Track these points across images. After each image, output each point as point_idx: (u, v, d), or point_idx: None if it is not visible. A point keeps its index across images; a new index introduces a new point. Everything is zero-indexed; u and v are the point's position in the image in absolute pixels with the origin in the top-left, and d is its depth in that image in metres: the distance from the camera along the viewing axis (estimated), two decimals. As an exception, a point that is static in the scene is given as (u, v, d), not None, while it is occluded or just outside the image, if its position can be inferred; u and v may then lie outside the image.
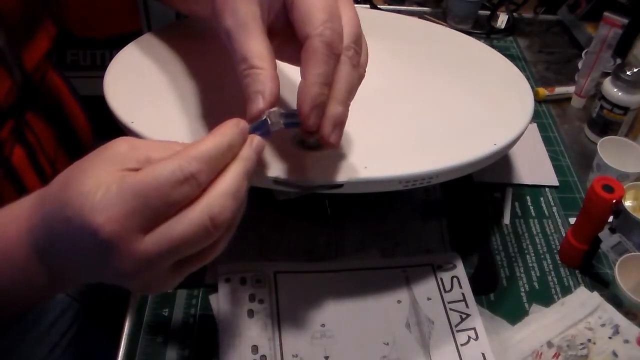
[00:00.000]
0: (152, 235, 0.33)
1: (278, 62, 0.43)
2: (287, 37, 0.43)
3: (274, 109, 0.41)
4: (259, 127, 0.40)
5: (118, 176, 0.33)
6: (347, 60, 0.41)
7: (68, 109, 0.70)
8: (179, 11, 0.67)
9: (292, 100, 0.47)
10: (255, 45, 0.40)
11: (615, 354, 0.54)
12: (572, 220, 0.66)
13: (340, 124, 0.41)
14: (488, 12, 1.06)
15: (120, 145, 0.36)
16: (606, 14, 0.81)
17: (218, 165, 0.35)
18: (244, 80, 0.41)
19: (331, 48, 0.39)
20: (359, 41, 0.43)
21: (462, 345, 0.55)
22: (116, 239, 0.32)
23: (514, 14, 1.08)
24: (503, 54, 0.73)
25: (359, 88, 0.45)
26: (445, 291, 0.59)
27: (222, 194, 0.35)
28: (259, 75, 0.40)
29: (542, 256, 0.65)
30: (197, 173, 0.34)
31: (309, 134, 0.41)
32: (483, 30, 1.04)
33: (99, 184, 0.33)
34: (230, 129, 0.37)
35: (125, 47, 0.66)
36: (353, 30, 0.42)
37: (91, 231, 0.32)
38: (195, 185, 0.34)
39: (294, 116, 0.41)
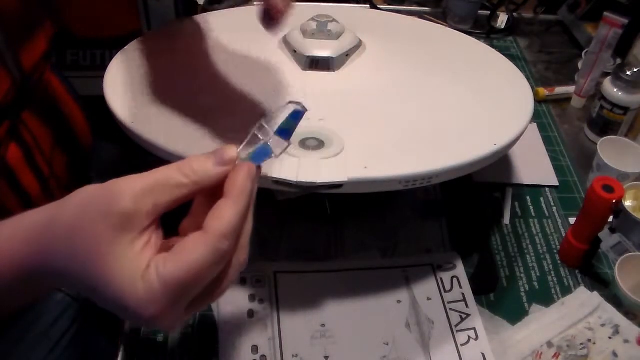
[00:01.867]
0: (190, 307, 0.36)
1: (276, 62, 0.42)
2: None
3: (262, 124, 0.39)
4: (261, 153, 0.39)
5: (148, 257, 0.34)
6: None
7: (66, 108, 0.70)
8: None
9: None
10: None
11: (615, 354, 0.54)
12: (572, 220, 0.66)
13: None
14: (488, 12, 1.06)
15: (122, 200, 0.34)
16: (606, 14, 0.81)
17: (240, 228, 0.37)
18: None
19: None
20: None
21: (462, 345, 0.55)
22: (159, 321, 0.34)
23: (514, 14, 1.08)
24: (503, 54, 0.73)
25: (360, 88, 0.45)
26: (445, 291, 0.59)
27: (245, 246, 0.38)
28: None
29: (542, 256, 0.65)
30: (228, 249, 0.35)
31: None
32: (483, 30, 1.04)
33: (133, 273, 0.33)
34: (245, 183, 0.37)
35: (125, 47, 0.66)
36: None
37: (136, 317, 0.34)
38: (226, 259, 0.36)
39: (288, 122, 0.40)
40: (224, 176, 0.37)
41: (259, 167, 0.38)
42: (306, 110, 0.40)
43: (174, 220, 0.39)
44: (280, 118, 0.39)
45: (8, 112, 0.55)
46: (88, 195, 0.35)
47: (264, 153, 0.39)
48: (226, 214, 0.35)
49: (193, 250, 0.34)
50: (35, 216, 0.37)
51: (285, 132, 0.40)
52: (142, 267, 0.33)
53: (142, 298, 0.33)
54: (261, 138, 0.39)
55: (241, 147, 0.38)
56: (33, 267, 0.36)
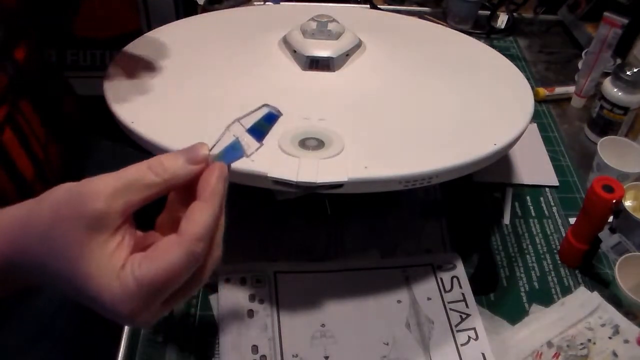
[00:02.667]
0: (164, 305, 0.36)
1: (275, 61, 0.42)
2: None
3: (235, 122, 0.39)
4: (232, 152, 0.39)
5: (123, 257, 0.35)
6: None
7: (58, 95, 0.70)
8: None
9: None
10: None
11: (615, 354, 0.54)
12: (572, 220, 0.66)
13: None
14: (488, 12, 1.06)
15: (94, 201, 0.34)
16: (606, 14, 0.81)
17: (214, 230, 0.37)
18: None
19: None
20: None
21: (462, 345, 0.55)
22: (134, 317, 0.35)
23: (514, 14, 1.08)
24: (503, 54, 0.73)
25: (360, 88, 0.45)
26: (445, 291, 0.59)
27: (219, 245, 0.38)
28: None
29: (542, 256, 0.65)
30: (202, 251, 0.35)
31: None
32: (483, 30, 1.04)
33: (109, 272, 0.34)
34: (217, 185, 0.37)
35: (125, 47, 0.66)
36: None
37: (111, 313, 0.35)
38: (201, 260, 0.36)
39: (261, 123, 0.40)
40: (195, 174, 0.37)
41: (229, 166, 0.39)
42: (280, 114, 0.40)
43: (150, 213, 0.39)
44: (253, 118, 0.40)
45: (5, 99, 0.55)
46: (62, 194, 0.35)
47: (235, 152, 0.39)
48: (200, 217, 0.35)
49: (167, 252, 0.34)
50: (14, 211, 0.38)
51: (258, 133, 0.40)
52: (117, 267, 0.34)
53: (118, 297, 0.34)
54: (233, 136, 0.39)
55: (213, 145, 0.38)
56: (11, 262, 0.37)
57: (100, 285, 0.34)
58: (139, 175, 0.36)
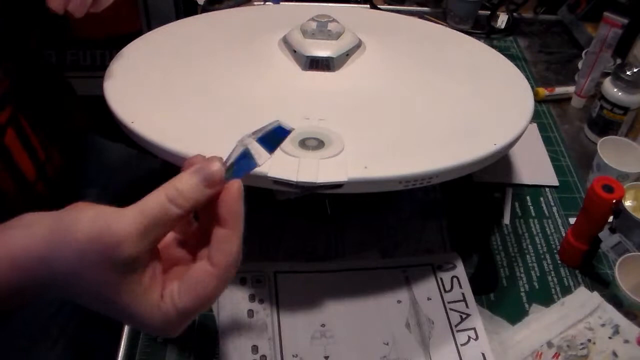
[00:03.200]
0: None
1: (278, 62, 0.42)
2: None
3: (245, 135, 0.39)
4: (245, 162, 0.39)
5: (159, 286, 0.36)
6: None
7: (60, 94, 0.70)
8: None
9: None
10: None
11: (615, 354, 0.54)
12: (572, 220, 0.66)
13: None
14: (488, 12, 1.06)
15: (122, 250, 0.34)
16: (606, 14, 0.81)
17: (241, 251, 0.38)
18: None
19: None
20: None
21: (462, 345, 0.55)
22: (172, 336, 0.38)
23: (514, 14, 1.08)
24: (503, 54, 0.73)
25: (360, 88, 0.45)
26: (445, 291, 0.59)
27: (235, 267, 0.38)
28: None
29: (542, 256, 0.65)
30: (233, 274, 0.37)
31: None
32: (483, 30, 1.04)
33: (148, 306, 0.36)
34: (239, 208, 0.37)
35: (125, 47, 0.66)
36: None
37: (150, 332, 0.37)
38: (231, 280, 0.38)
39: (272, 135, 0.40)
40: (215, 196, 0.37)
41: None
42: (292, 129, 0.40)
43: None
44: (264, 131, 0.39)
45: (8, 100, 0.56)
46: (86, 233, 0.34)
47: (247, 162, 0.39)
48: (230, 247, 0.37)
49: (205, 285, 0.36)
50: (27, 243, 0.35)
51: (268, 144, 0.39)
52: (156, 299, 0.36)
53: (161, 325, 0.36)
54: (244, 145, 0.38)
55: (226, 160, 0.38)
56: (29, 292, 0.36)
57: (143, 318, 0.36)
58: (162, 212, 0.35)
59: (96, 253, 0.34)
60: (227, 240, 0.36)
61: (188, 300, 0.36)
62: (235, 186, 0.37)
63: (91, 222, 0.34)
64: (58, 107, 0.70)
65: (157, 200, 0.35)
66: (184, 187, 0.36)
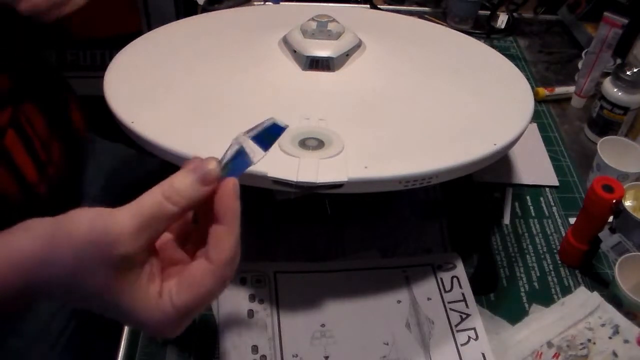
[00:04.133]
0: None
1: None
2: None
3: (240, 134, 0.39)
4: (240, 160, 0.39)
5: (157, 284, 0.37)
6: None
7: (61, 96, 0.70)
8: None
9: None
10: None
11: (615, 354, 0.54)
12: (572, 220, 0.66)
13: None
14: (488, 12, 1.06)
15: (119, 247, 0.34)
16: (606, 14, 0.81)
17: (239, 248, 0.38)
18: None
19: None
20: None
21: (462, 345, 0.55)
22: (171, 336, 0.38)
23: (514, 14, 1.08)
24: (503, 54, 0.73)
25: (360, 89, 0.45)
26: (445, 291, 0.59)
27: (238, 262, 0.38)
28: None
29: (542, 256, 0.65)
30: (232, 272, 0.37)
31: None
32: (483, 30, 1.04)
33: (147, 305, 0.36)
34: (235, 206, 0.37)
35: (125, 47, 0.66)
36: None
37: (149, 332, 0.38)
38: (230, 279, 0.38)
39: (267, 134, 0.40)
40: (210, 194, 0.37)
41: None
42: (286, 126, 0.40)
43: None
44: (258, 129, 0.39)
45: (9, 100, 0.56)
46: (83, 234, 0.34)
47: (242, 160, 0.39)
48: (227, 244, 0.37)
49: (202, 282, 0.36)
50: (25, 245, 0.35)
51: (263, 142, 0.39)
52: (154, 297, 0.36)
53: (160, 324, 0.36)
54: (239, 144, 0.39)
55: (221, 159, 0.38)
56: (28, 294, 0.36)
57: (141, 316, 0.36)
58: (158, 209, 0.35)
59: (93, 253, 0.34)
60: (224, 237, 0.36)
61: (186, 297, 0.36)
62: (231, 183, 0.37)
63: (88, 223, 0.34)
64: (58, 108, 0.70)
65: (153, 198, 0.35)
66: (179, 185, 0.36)
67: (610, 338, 0.55)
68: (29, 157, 0.60)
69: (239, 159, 0.38)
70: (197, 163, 0.37)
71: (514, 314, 0.59)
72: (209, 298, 0.37)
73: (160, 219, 0.35)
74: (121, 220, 0.34)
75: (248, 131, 0.39)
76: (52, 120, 0.65)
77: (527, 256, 0.65)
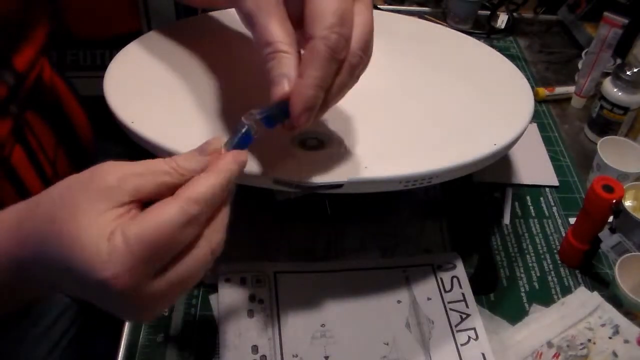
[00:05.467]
0: (160, 279, 0.34)
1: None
2: (298, 28, 0.42)
3: (251, 112, 0.40)
4: (245, 138, 0.40)
5: (118, 223, 0.33)
6: (349, 67, 0.40)
7: (68, 109, 0.70)
8: (199, 7, 0.67)
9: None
10: (278, 28, 0.40)
11: (615, 354, 0.54)
12: (572, 220, 0.66)
13: (315, 116, 0.41)
14: (488, 12, 1.06)
15: (106, 177, 0.35)
16: (606, 14, 0.81)
17: (216, 203, 0.36)
18: (268, 63, 0.40)
19: (334, 53, 0.39)
20: (366, 48, 0.42)
21: (462, 345, 0.55)
22: (128, 290, 0.33)
23: (514, 14, 1.08)
24: (503, 54, 0.73)
25: (360, 88, 0.45)
26: (445, 291, 0.59)
27: (220, 229, 0.37)
28: (283, 58, 0.39)
29: (542, 256, 0.65)
30: (198, 215, 0.35)
31: (291, 128, 0.41)
32: (483, 30, 1.04)
33: (99, 233, 0.33)
34: (228, 165, 0.37)
35: (125, 47, 0.66)
36: (363, 37, 0.41)
37: (101, 284, 0.32)
38: (196, 226, 0.35)
39: (275, 112, 0.40)
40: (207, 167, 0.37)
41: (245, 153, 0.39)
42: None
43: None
44: (267, 108, 0.40)
45: (6, 111, 0.55)
46: (74, 176, 0.36)
47: (248, 137, 0.40)
48: (198, 184, 0.35)
49: (160, 209, 0.34)
50: (22, 205, 0.38)
51: (270, 120, 0.40)
52: (107, 231, 0.33)
53: (103, 257, 0.32)
54: (246, 122, 0.39)
55: (228, 140, 0.39)
56: (17, 253, 0.37)
57: (88, 248, 0.32)
58: (153, 165, 0.36)
59: (80, 181, 0.35)
60: (198, 179, 0.36)
61: (137, 227, 0.32)
62: (234, 151, 0.38)
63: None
64: (66, 117, 0.69)
65: (150, 160, 0.37)
66: (179, 157, 0.37)
67: (610, 338, 0.55)
68: (35, 173, 0.59)
69: (243, 135, 0.39)
70: (202, 144, 0.38)
71: (514, 314, 0.59)
72: (164, 231, 0.33)
73: (152, 174, 0.35)
74: (114, 163, 0.35)
75: (259, 112, 0.40)
76: (59, 134, 0.65)
77: (527, 256, 0.65)
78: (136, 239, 0.32)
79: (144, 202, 0.35)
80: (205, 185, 0.35)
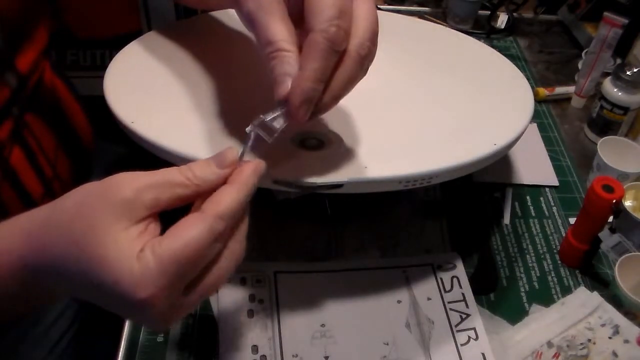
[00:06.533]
0: (189, 293, 0.35)
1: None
2: (299, 26, 0.42)
3: (260, 117, 0.40)
4: (256, 144, 0.40)
5: (143, 242, 0.34)
6: (358, 58, 0.40)
7: (68, 110, 0.70)
8: (197, 8, 0.66)
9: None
10: (279, 27, 0.40)
11: (615, 354, 0.54)
12: (572, 220, 0.66)
13: (319, 110, 0.41)
14: (488, 12, 1.06)
15: (121, 189, 0.35)
16: (606, 14, 0.81)
17: (239, 216, 0.37)
18: (270, 63, 0.40)
19: (333, 45, 0.38)
20: (374, 38, 0.42)
21: (462, 345, 0.55)
22: (162, 308, 0.34)
23: (514, 14, 1.08)
24: (503, 54, 0.73)
25: (360, 88, 0.45)
26: (445, 291, 0.59)
27: (242, 240, 0.38)
28: (285, 57, 0.39)
29: (542, 256, 0.65)
30: (224, 231, 0.35)
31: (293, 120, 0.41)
32: (483, 30, 1.04)
33: (128, 253, 0.33)
34: (250, 178, 0.37)
35: (125, 47, 0.66)
36: (370, 27, 0.42)
37: (136, 304, 0.33)
38: (222, 240, 0.36)
39: (277, 111, 0.41)
40: (224, 179, 0.37)
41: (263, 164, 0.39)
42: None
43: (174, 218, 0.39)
44: (273, 112, 0.40)
45: (8, 113, 0.55)
46: (89, 187, 0.36)
47: (259, 143, 0.40)
48: (224, 199, 0.36)
49: (189, 228, 0.34)
50: (35, 213, 0.38)
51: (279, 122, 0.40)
52: (137, 250, 0.33)
53: (137, 278, 0.32)
54: (251, 131, 0.40)
55: (242, 151, 0.39)
56: (32, 263, 0.36)
57: (119, 267, 0.33)
58: (169, 176, 0.36)
59: (95, 196, 0.35)
60: (223, 193, 0.36)
61: (168, 245, 0.33)
62: (255, 161, 0.38)
63: (98, 181, 0.36)
64: (66, 118, 0.69)
65: (166, 169, 0.36)
66: (194, 165, 0.37)
67: (610, 338, 0.55)
68: (35, 175, 0.59)
69: (255, 142, 0.40)
70: (217, 154, 0.38)
71: (514, 314, 0.59)
72: (194, 248, 0.33)
73: (169, 185, 0.35)
74: (130, 174, 0.35)
75: (263, 115, 0.40)
76: (59, 135, 0.65)
77: (527, 256, 0.65)
78: (168, 258, 0.33)
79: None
80: (229, 200, 0.36)
